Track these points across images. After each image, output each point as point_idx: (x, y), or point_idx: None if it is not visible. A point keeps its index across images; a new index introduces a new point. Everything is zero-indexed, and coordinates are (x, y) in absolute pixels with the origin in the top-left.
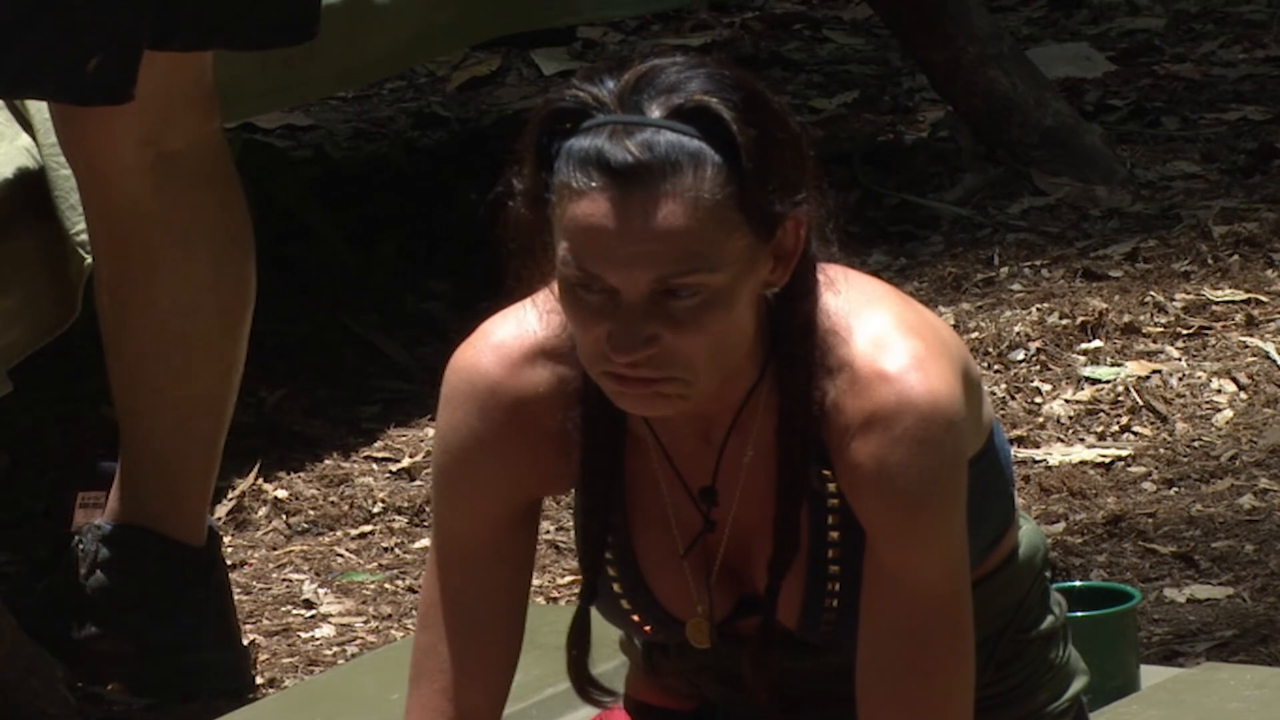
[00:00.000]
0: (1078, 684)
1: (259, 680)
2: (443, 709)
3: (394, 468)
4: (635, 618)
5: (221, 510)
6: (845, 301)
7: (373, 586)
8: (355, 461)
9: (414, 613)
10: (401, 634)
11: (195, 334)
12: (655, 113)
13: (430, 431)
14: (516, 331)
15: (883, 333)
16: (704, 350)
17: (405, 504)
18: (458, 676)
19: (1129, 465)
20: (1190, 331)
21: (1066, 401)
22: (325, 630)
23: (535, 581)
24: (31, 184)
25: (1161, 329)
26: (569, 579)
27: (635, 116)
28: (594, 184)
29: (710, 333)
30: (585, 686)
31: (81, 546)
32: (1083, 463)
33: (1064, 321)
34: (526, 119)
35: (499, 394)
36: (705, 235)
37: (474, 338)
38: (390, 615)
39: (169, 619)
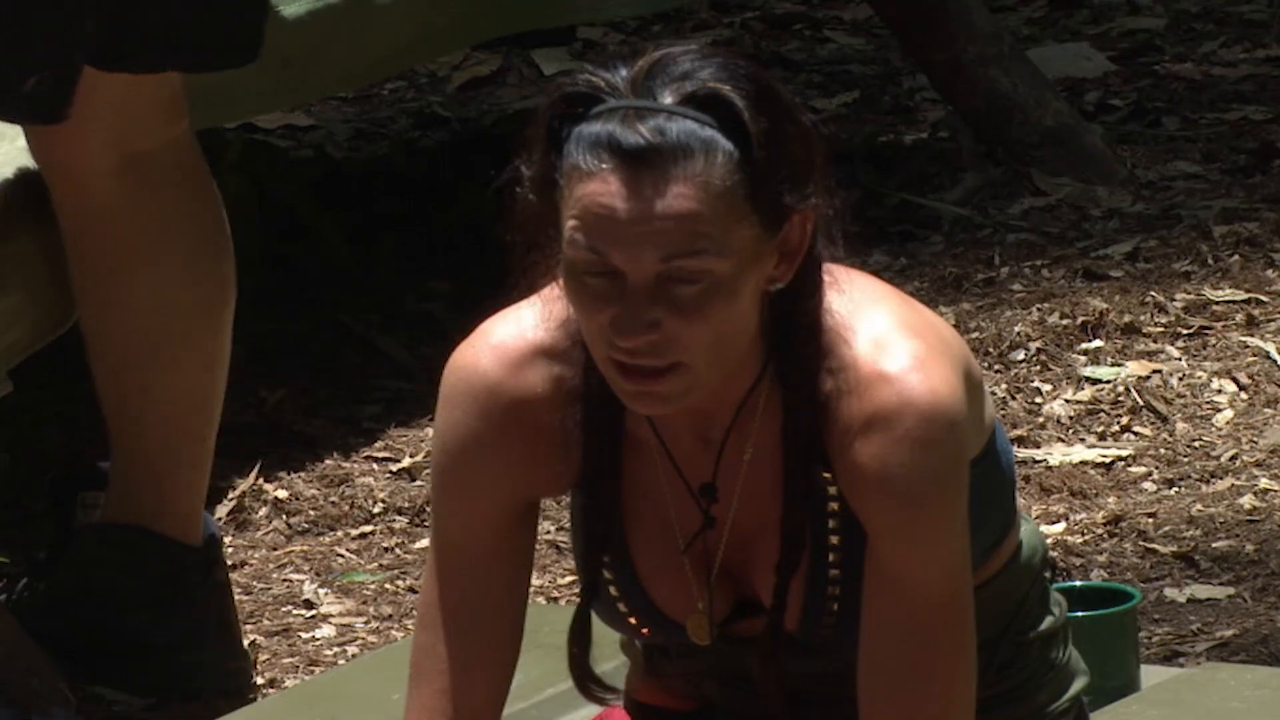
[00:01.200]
0: (1078, 684)
1: (259, 680)
2: (442, 709)
3: (394, 468)
4: (632, 620)
5: (222, 510)
6: (847, 301)
7: (373, 586)
8: (355, 461)
9: (414, 613)
10: (402, 634)
11: (176, 331)
12: (668, 99)
13: (431, 431)
14: (515, 331)
15: (884, 333)
16: (706, 339)
17: (406, 504)
18: (457, 677)
19: (1129, 465)
20: (1190, 331)
21: (1067, 401)
22: (325, 630)
23: (535, 581)
24: (32, 184)
25: (1162, 329)
26: (569, 579)
27: (648, 102)
28: (604, 165)
29: (713, 321)
30: (587, 684)
31: (81, 547)
32: (1083, 463)
33: (1064, 321)
34: (537, 105)
35: (498, 394)
36: (713, 219)
37: (472, 338)
38: (391, 615)
39: (169, 619)
